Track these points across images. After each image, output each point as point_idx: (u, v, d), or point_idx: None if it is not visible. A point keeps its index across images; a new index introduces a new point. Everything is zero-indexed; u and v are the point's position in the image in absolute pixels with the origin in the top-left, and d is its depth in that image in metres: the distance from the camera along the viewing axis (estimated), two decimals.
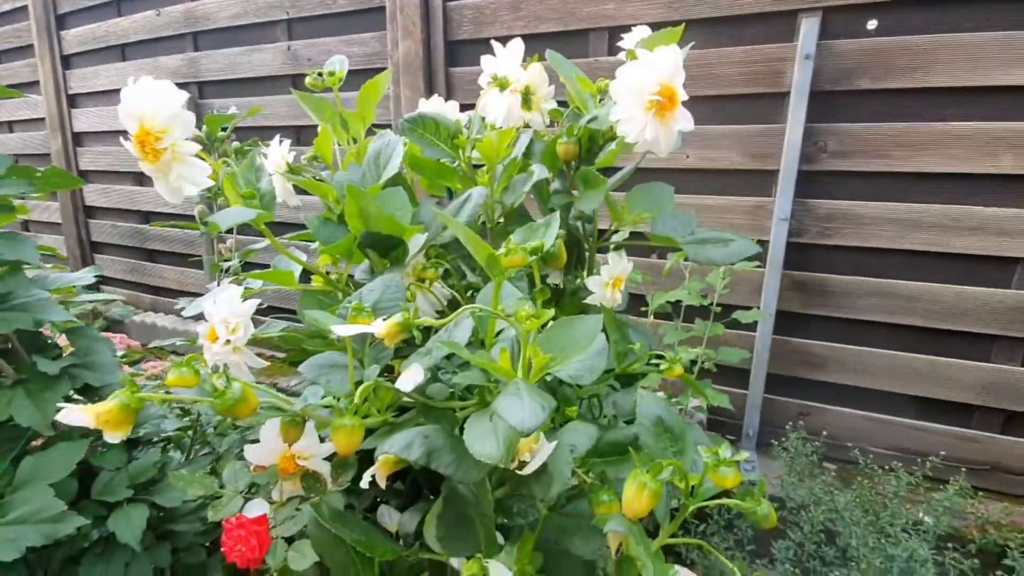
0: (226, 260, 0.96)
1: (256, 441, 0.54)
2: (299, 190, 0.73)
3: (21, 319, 0.63)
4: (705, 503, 0.44)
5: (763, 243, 1.29)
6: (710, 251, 0.64)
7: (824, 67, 1.20)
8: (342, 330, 0.43)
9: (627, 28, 0.68)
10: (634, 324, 0.67)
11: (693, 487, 0.44)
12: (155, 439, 0.91)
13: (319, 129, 0.70)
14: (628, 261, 0.66)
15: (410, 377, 0.43)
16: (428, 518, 0.47)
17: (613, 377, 0.61)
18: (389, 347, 0.46)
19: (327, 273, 0.66)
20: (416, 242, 0.59)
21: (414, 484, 0.65)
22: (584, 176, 0.63)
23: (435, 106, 0.70)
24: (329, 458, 0.55)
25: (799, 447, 1.08)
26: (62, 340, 0.75)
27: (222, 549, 0.53)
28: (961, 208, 1.16)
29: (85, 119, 2.44)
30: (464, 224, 0.51)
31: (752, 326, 1.34)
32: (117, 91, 2.42)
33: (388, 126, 0.68)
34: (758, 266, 1.31)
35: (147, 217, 2.41)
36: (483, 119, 0.66)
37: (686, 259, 1.33)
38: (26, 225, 2.88)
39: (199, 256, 2.09)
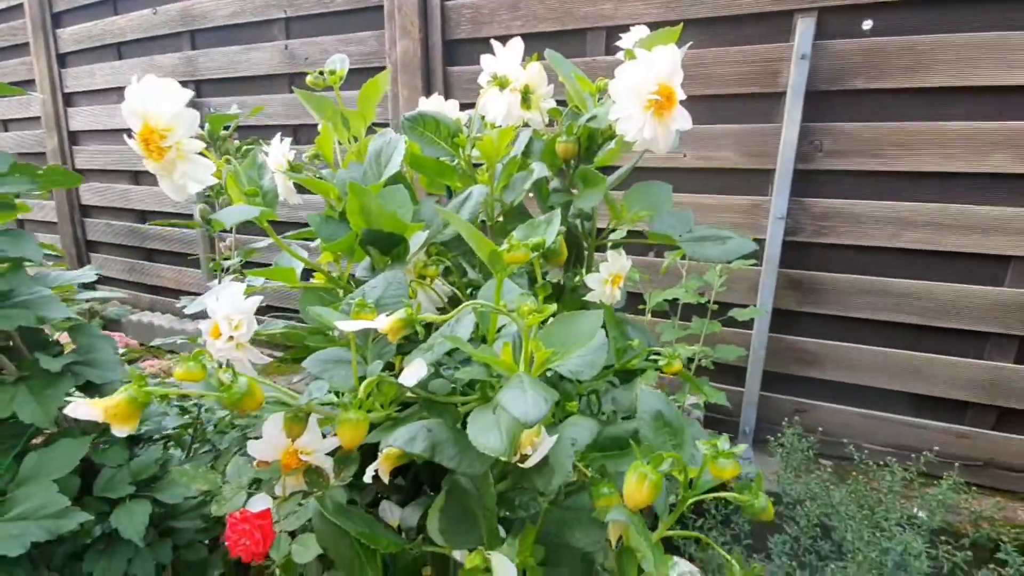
0: (226, 259, 0.96)
1: (258, 437, 0.55)
2: (299, 188, 0.73)
3: (23, 316, 0.63)
4: (703, 496, 0.45)
5: (759, 241, 1.30)
6: (708, 249, 0.65)
7: (820, 67, 1.21)
8: (346, 326, 0.43)
9: (624, 28, 0.68)
10: (632, 321, 0.67)
11: (692, 480, 0.45)
12: (155, 437, 0.91)
13: (319, 128, 0.71)
14: (627, 259, 0.67)
15: (413, 372, 0.44)
16: (431, 511, 0.47)
17: (612, 373, 0.62)
18: (392, 342, 0.47)
19: (328, 272, 0.66)
20: (417, 239, 0.59)
21: (415, 480, 0.66)
22: (583, 174, 0.64)
23: (435, 105, 0.71)
24: (332, 453, 0.56)
25: (795, 443, 1.09)
26: (63, 338, 0.75)
27: (226, 543, 0.53)
28: (955, 207, 1.18)
29: (81, 118, 2.44)
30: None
31: (748, 324, 1.35)
32: (113, 90, 2.41)
33: (386, 125, 0.68)
34: (754, 264, 1.32)
35: (143, 216, 2.40)
36: (483, 118, 0.67)
37: (683, 258, 1.34)
38: (21, 224, 2.87)
39: (197, 255, 2.09)
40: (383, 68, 1.70)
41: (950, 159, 1.16)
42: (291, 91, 1.92)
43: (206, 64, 2.05)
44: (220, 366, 0.46)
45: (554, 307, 0.41)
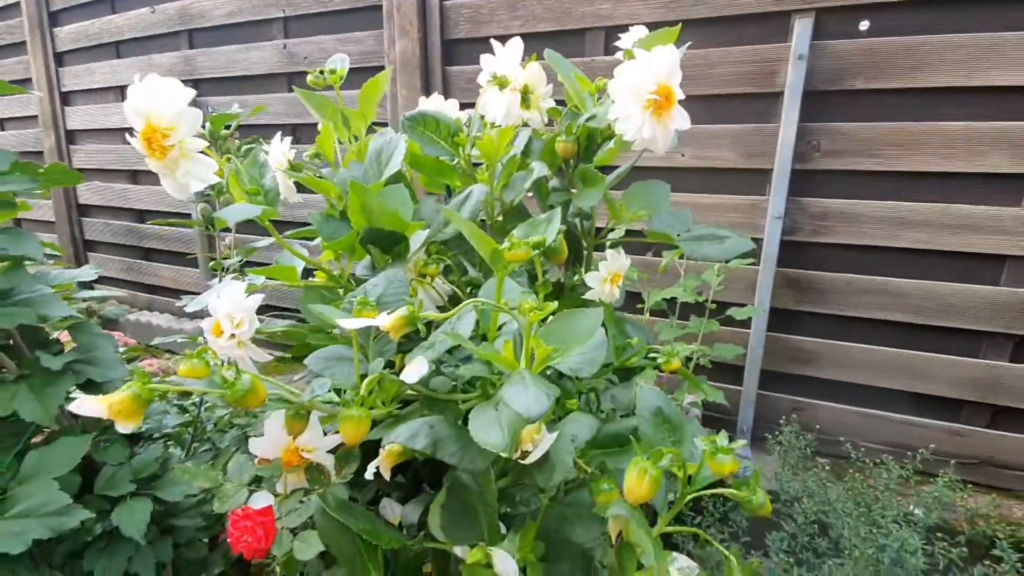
0: (225, 258, 0.97)
1: (260, 435, 0.55)
2: (299, 187, 0.73)
3: (24, 314, 0.63)
4: (702, 492, 0.45)
5: (757, 241, 1.31)
6: (706, 247, 0.66)
7: (817, 67, 1.22)
8: (348, 323, 0.44)
9: (623, 28, 0.69)
10: (631, 320, 0.68)
11: (691, 476, 0.45)
12: (155, 435, 0.91)
13: (320, 127, 0.71)
14: (626, 258, 0.67)
15: (415, 369, 0.44)
16: (432, 507, 0.48)
17: (611, 371, 0.62)
18: (394, 340, 0.47)
19: (329, 270, 0.66)
20: (418, 238, 0.60)
21: (415, 477, 0.66)
22: (583, 173, 0.64)
23: (436, 104, 0.71)
24: (333, 451, 0.56)
25: (793, 441, 1.10)
26: (63, 336, 0.75)
27: (228, 540, 0.54)
28: (951, 206, 1.18)
29: (78, 117, 2.43)
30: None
31: (746, 323, 1.35)
32: (111, 89, 2.41)
33: (384, 124, 0.69)
34: (752, 264, 1.33)
35: (141, 215, 2.40)
36: (482, 117, 0.67)
37: (681, 257, 1.35)
38: (18, 223, 2.86)
39: (195, 255, 2.09)
40: (382, 68, 1.71)
41: (947, 159, 1.17)
42: (290, 90, 1.92)
43: (204, 63, 2.05)
44: (221, 364, 0.46)
45: (555, 304, 0.41)
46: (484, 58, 0.67)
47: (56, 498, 0.60)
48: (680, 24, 0.61)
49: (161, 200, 2.28)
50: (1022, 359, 1.20)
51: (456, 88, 1.62)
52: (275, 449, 0.55)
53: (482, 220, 0.69)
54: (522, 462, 0.45)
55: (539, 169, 0.62)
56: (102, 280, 2.55)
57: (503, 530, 0.49)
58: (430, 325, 0.53)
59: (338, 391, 0.49)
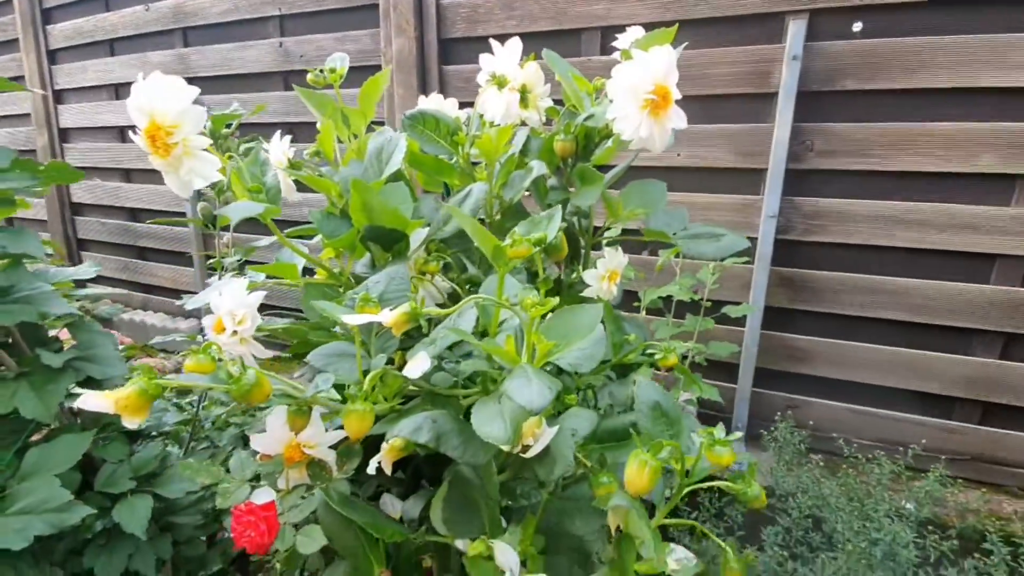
0: (224, 256, 0.97)
1: (262, 431, 0.56)
2: (298, 186, 0.74)
3: (25, 311, 0.63)
4: (699, 485, 0.46)
5: (752, 240, 1.32)
6: (702, 246, 0.67)
7: (811, 68, 1.23)
8: (352, 319, 0.44)
9: (619, 28, 0.70)
10: (628, 318, 0.69)
11: (688, 469, 0.46)
12: (154, 433, 0.92)
13: (319, 125, 0.71)
14: (623, 256, 0.68)
15: (417, 365, 0.45)
16: (434, 501, 0.48)
17: (609, 367, 0.63)
18: (397, 336, 0.48)
19: (329, 268, 0.67)
20: (418, 236, 0.60)
21: (415, 473, 0.67)
22: (581, 172, 0.65)
23: (435, 103, 0.72)
24: (335, 447, 0.57)
25: (787, 437, 1.11)
26: (63, 334, 0.75)
27: (231, 535, 0.54)
28: (942, 206, 1.20)
29: (71, 115, 2.42)
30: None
31: (741, 321, 1.37)
32: (105, 87, 2.40)
33: (381, 123, 0.69)
34: (747, 262, 1.34)
35: (134, 214, 2.39)
36: (481, 116, 0.68)
37: (677, 255, 1.36)
38: (10, 222, 2.84)
39: (190, 253, 2.09)
40: (378, 67, 1.71)
41: (939, 160, 1.19)
42: (285, 89, 1.91)
43: (199, 62, 2.05)
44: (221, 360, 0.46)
45: (557, 300, 0.42)
46: (483, 57, 0.68)
47: (57, 495, 0.60)
48: (677, 25, 0.62)
49: (155, 199, 2.27)
50: (1013, 357, 1.22)
51: (452, 87, 1.62)
52: (277, 445, 0.55)
53: (480, 219, 0.69)
54: (523, 456, 0.46)
55: (538, 168, 0.62)
56: (96, 279, 2.53)
57: (504, 524, 0.50)
58: (431, 322, 0.53)
59: (338, 388, 0.49)
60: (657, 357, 0.61)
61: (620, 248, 0.68)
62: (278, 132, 0.71)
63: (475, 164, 0.68)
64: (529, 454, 0.45)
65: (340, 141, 0.72)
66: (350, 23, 1.76)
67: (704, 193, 1.39)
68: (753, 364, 1.38)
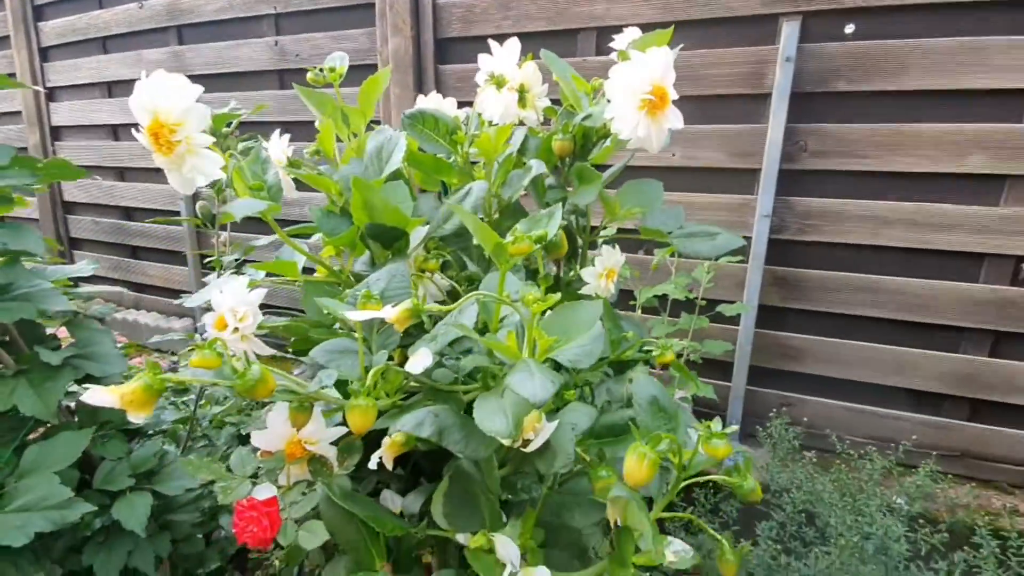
0: (222, 255, 0.97)
1: (263, 428, 0.56)
2: (297, 184, 0.74)
3: (24, 309, 0.63)
4: (696, 479, 0.47)
5: (746, 239, 1.33)
6: (697, 244, 0.68)
7: (804, 69, 1.24)
8: (355, 316, 0.45)
9: (615, 28, 0.70)
10: (624, 316, 0.70)
11: (685, 463, 0.47)
12: (151, 431, 0.92)
13: (318, 124, 0.72)
14: (620, 254, 0.69)
15: (419, 361, 0.46)
16: (435, 496, 0.49)
17: (607, 364, 0.64)
18: (399, 332, 0.48)
19: (330, 266, 0.67)
20: (418, 234, 0.61)
21: (415, 469, 0.67)
22: (579, 171, 0.66)
23: (434, 103, 0.72)
24: (335, 443, 0.57)
25: (781, 434, 1.12)
26: (61, 332, 0.75)
27: (229, 532, 0.54)
28: (932, 206, 1.22)
29: (63, 113, 2.40)
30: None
31: (735, 320, 1.38)
32: (97, 85, 2.37)
33: (378, 122, 0.70)
34: (741, 261, 1.36)
35: (128, 212, 2.38)
36: (480, 115, 0.68)
37: (672, 254, 1.37)
38: (0, 220, 2.82)
39: (184, 252, 2.08)
40: (375, 66, 1.71)
41: (930, 160, 1.20)
42: (281, 87, 1.91)
43: (194, 60, 2.04)
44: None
45: (558, 296, 0.43)
46: (482, 57, 0.68)
47: (57, 492, 0.60)
48: (673, 26, 0.63)
49: (148, 197, 2.26)
50: (1001, 354, 1.23)
51: (448, 87, 1.63)
52: (278, 441, 0.56)
53: (479, 218, 0.70)
54: (523, 450, 0.46)
55: (537, 167, 0.63)
56: (89, 278, 2.52)
57: (504, 517, 0.51)
58: (431, 318, 0.54)
59: (339, 385, 0.50)
60: (655, 354, 0.62)
61: (617, 246, 0.69)
62: (276, 131, 0.71)
63: (473, 163, 0.68)
64: (530, 448, 0.46)
65: (339, 140, 0.73)
66: (346, 22, 1.76)
67: (699, 193, 1.40)
68: (747, 362, 1.39)
